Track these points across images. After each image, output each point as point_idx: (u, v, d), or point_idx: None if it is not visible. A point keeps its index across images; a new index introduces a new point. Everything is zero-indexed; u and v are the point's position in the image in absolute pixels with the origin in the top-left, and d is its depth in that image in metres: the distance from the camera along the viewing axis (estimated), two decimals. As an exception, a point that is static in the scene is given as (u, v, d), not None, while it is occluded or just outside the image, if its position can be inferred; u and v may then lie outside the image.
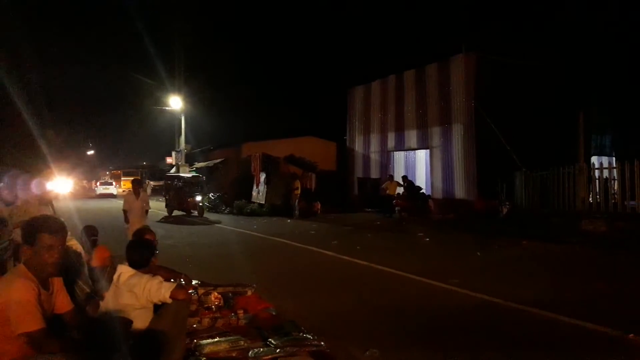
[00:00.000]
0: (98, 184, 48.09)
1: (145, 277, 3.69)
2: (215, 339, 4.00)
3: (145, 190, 10.35)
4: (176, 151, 33.21)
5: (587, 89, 19.33)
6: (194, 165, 33.45)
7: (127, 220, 9.50)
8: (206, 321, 4.56)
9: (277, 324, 4.55)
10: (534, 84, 17.91)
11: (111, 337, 3.25)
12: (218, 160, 30.37)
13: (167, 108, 33.44)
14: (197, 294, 5.04)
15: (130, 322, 3.50)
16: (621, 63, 20.75)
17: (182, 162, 31.65)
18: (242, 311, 4.74)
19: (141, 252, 3.98)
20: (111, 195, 41.86)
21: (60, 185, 26.22)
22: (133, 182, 10.06)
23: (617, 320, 5.51)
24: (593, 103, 19.19)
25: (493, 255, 10.41)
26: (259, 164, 22.85)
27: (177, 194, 21.61)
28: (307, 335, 4.20)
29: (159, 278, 3.70)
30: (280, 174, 22.01)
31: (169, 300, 3.57)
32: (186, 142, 32.79)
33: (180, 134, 32.62)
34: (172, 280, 4.54)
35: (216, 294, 5.07)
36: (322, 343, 4.10)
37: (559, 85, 18.50)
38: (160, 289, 3.58)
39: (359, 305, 6.49)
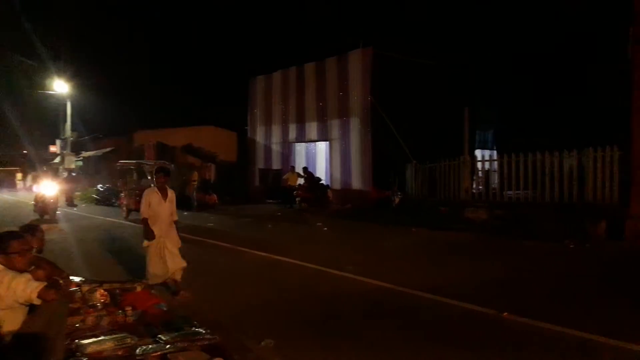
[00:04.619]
0: None
1: (11, 274, 3.34)
2: (99, 338, 3.79)
3: (172, 189, 6.73)
4: (61, 139, 30.75)
5: (472, 87, 20.81)
6: (81, 154, 31.28)
7: (149, 234, 6.29)
8: (90, 320, 4.31)
9: (168, 320, 4.41)
10: (426, 81, 18.92)
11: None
12: (108, 149, 28.65)
13: (51, 92, 30.78)
14: (81, 291, 4.73)
15: None
16: (502, 63, 22.59)
17: (67, 151, 29.38)
18: (130, 308, 4.52)
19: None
20: None
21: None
22: (158, 172, 6.62)
23: (493, 300, 6.02)
24: (477, 100, 20.70)
25: (386, 243, 10.90)
26: (154, 153, 21.88)
27: (135, 189, 16.24)
28: (200, 330, 4.11)
29: (27, 276, 3.39)
30: (176, 165, 21.25)
31: (37, 301, 3.28)
32: (73, 129, 30.44)
33: (65, 121, 30.22)
34: (55, 277, 4.20)
35: (102, 290, 4.79)
36: (216, 337, 4.04)
37: (448, 82, 19.73)
38: (26, 289, 3.27)
39: (256, 297, 6.48)
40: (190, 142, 24.17)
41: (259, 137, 24.75)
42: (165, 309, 4.78)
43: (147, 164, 17.78)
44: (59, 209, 16.99)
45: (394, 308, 5.97)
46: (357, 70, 19.51)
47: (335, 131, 20.59)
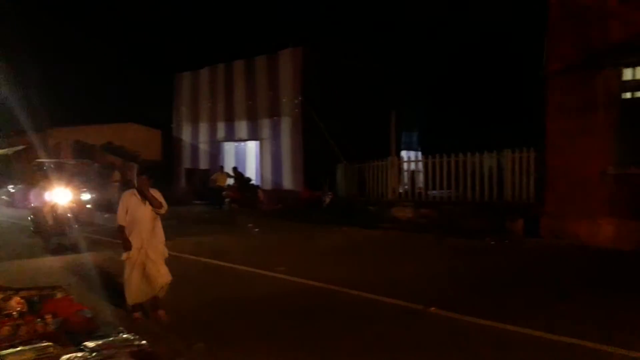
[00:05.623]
0: None
1: None
2: (18, 349, 3.50)
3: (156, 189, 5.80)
4: (-34, 136, 28.26)
5: (399, 90, 21.47)
6: (-12, 153, 28.86)
7: (126, 244, 5.49)
8: (6, 330, 4.00)
9: (93, 327, 4.17)
10: (356, 83, 19.31)
11: None
12: (19, 148, 26.65)
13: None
14: (-6, 300, 4.37)
15: None
16: (427, 68, 23.53)
17: (-27, 148, 27.06)
18: (50, 316, 4.23)
19: None
20: None
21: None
22: (142, 173, 5.85)
23: (421, 295, 6.23)
24: (403, 103, 21.37)
25: (316, 242, 10.99)
26: (71, 152, 20.67)
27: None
28: (128, 336, 3.91)
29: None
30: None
31: None
32: (-22, 125, 28.05)
33: (-29, 116, 27.76)
34: None
35: (18, 298, 4.45)
36: (145, 342, 3.86)
37: (376, 85, 20.24)
38: None
39: (186, 301, 6.26)
40: (110, 140, 23.10)
41: (185, 136, 24.08)
42: (89, 315, 4.51)
43: (68, 163, 16.90)
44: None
45: (326, 307, 6.02)
46: (288, 70, 19.51)
47: (265, 130, 20.46)
